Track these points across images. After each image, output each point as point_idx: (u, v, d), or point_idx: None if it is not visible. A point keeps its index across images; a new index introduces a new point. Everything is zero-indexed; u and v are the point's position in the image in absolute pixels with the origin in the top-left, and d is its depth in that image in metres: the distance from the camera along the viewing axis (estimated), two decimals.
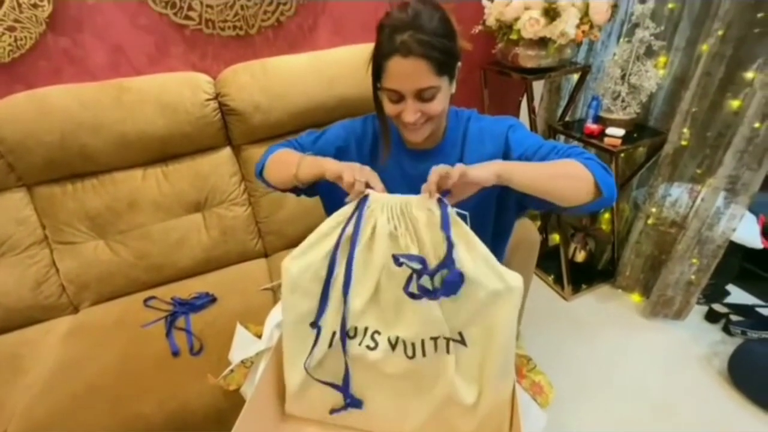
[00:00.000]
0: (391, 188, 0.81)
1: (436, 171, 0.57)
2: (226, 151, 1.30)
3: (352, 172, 0.62)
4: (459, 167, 0.57)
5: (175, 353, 0.96)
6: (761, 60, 1.06)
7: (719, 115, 1.20)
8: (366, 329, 0.64)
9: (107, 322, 1.09)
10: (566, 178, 0.62)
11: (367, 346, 0.63)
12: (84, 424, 0.83)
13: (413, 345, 0.62)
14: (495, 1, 1.35)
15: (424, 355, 0.62)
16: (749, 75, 1.10)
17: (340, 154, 0.81)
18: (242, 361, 0.83)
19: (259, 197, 1.33)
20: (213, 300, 1.13)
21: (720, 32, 1.09)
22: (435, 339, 0.61)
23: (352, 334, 0.64)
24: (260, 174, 0.85)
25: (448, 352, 0.62)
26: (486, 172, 0.59)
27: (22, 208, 1.13)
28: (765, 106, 1.05)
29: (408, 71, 0.63)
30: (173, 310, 1.08)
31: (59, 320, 1.16)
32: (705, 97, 1.19)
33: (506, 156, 0.74)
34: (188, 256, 1.24)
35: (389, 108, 0.69)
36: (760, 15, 1.06)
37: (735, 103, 1.15)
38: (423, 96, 0.65)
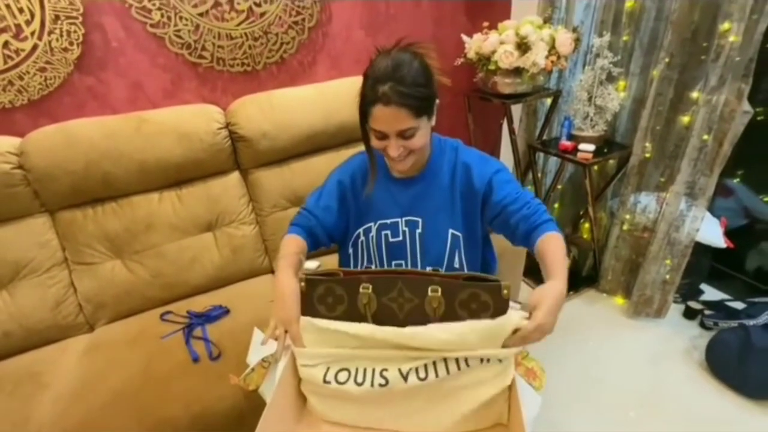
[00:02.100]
0: (384, 213, 0.93)
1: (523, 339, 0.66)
2: (235, 175, 1.40)
3: (274, 331, 0.74)
4: (536, 329, 0.65)
5: (196, 359, 1.02)
6: (702, 82, 1.24)
7: (674, 130, 1.37)
8: (374, 370, 0.67)
9: (126, 337, 1.14)
10: (565, 255, 0.76)
11: (380, 384, 0.67)
12: (115, 429, 0.88)
13: (425, 367, 0.66)
14: (474, 37, 1.53)
15: (436, 375, 0.66)
16: (694, 95, 1.28)
17: (342, 202, 0.92)
18: (262, 359, 0.90)
19: (265, 217, 1.43)
20: (227, 312, 1.20)
21: (666, 60, 1.28)
22: (446, 360, 0.66)
23: (360, 380, 0.67)
24: None
25: (459, 368, 0.66)
26: (555, 311, 0.67)
27: (44, 232, 1.20)
28: (709, 121, 1.22)
29: (389, 117, 0.73)
30: (189, 322, 1.15)
31: (75, 339, 1.21)
32: (660, 114, 1.36)
33: (486, 196, 0.86)
34: (201, 274, 1.31)
35: (376, 143, 0.80)
36: (704, 44, 1.24)
37: (685, 119, 1.32)
38: (404, 135, 0.76)
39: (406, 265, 0.93)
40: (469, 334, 0.64)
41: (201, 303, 1.24)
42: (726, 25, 1.12)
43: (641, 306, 1.58)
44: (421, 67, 0.74)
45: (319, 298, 0.70)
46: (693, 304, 1.60)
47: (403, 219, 0.91)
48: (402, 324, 0.68)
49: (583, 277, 1.85)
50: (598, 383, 1.39)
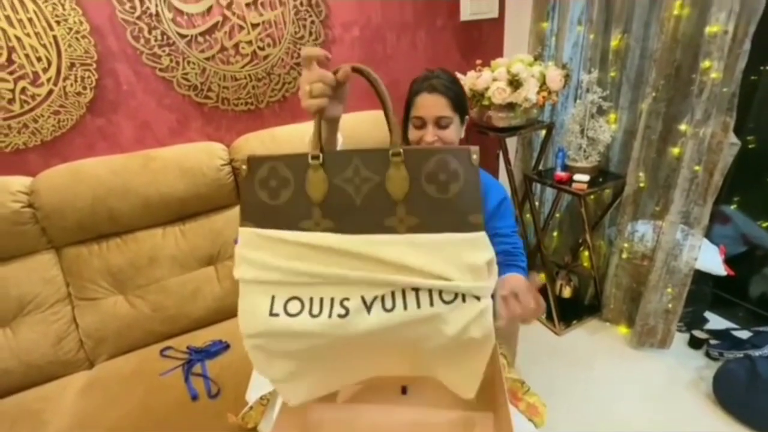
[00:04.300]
0: None
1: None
2: (238, 209, 1.43)
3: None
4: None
5: (194, 397, 1.02)
6: (689, 116, 1.28)
7: (665, 160, 1.40)
8: (332, 299, 0.54)
9: (125, 373, 1.14)
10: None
11: (339, 315, 0.53)
12: None
13: (393, 296, 0.53)
14: (468, 74, 1.59)
15: (405, 308, 0.53)
16: (682, 127, 1.32)
17: None
18: (260, 398, 0.90)
19: None
20: (227, 347, 1.20)
21: (653, 95, 1.32)
22: (417, 291, 0.53)
23: (315, 311, 0.53)
24: None
25: (432, 304, 0.53)
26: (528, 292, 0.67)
27: (49, 268, 1.23)
28: (698, 152, 1.25)
29: (431, 103, 0.87)
30: (189, 358, 1.15)
31: (75, 376, 1.21)
32: (651, 146, 1.40)
33: (492, 216, 0.94)
34: (202, 307, 1.32)
35: (413, 134, 0.90)
36: (688, 80, 1.29)
37: (675, 150, 1.36)
38: (440, 123, 0.87)
39: None
40: (446, 245, 0.54)
41: (201, 338, 1.25)
42: (707, 63, 1.17)
43: (645, 336, 1.56)
44: (458, 82, 0.92)
45: (262, 181, 0.56)
46: (698, 334, 1.58)
47: None
48: (360, 210, 0.55)
49: (585, 306, 1.84)
50: (603, 416, 1.35)
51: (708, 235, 1.55)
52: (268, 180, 0.56)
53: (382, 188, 0.54)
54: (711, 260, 1.51)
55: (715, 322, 1.68)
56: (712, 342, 1.51)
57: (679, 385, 1.44)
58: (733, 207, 1.71)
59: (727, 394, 1.30)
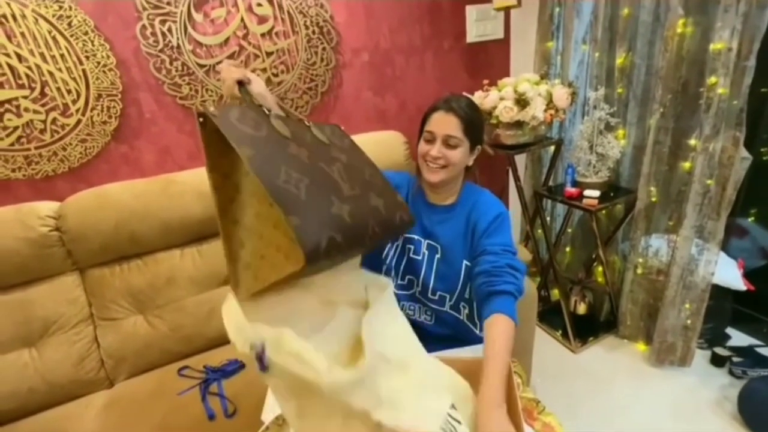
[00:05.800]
0: (411, 234, 1.00)
1: None
2: None
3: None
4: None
5: (211, 417, 1.03)
6: (698, 131, 1.28)
7: (676, 175, 1.40)
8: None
9: (144, 393, 1.17)
10: (509, 347, 0.78)
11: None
12: None
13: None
14: (475, 94, 1.63)
15: None
16: (692, 142, 1.32)
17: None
18: (275, 418, 0.90)
19: None
20: (242, 366, 1.21)
21: (661, 110, 1.33)
22: None
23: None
24: None
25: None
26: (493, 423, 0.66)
27: (73, 289, 1.27)
28: (710, 167, 1.25)
29: (444, 120, 0.90)
30: (206, 378, 1.17)
31: (96, 395, 1.23)
32: (661, 160, 1.40)
33: (483, 233, 0.94)
34: (218, 327, 1.34)
35: (422, 147, 0.94)
36: (695, 95, 1.30)
37: (686, 165, 1.35)
38: (448, 142, 0.90)
39: (418, 282, 0.99)
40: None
41: (218, 357, 1.26)
42: (713, 79, 1.18)
43: (664, 353, 1.52)
44: (477, 109, 0.95)
45: (239, 119, 0.61)
46: (720, 351, 1.53)
47: (425, 241, 0.99)
48: (313, 147, 0.68)
49: (601, 323, 1.80)
50: None
51: (725, 248, 1.53)
52: (244, 119, 0.61)
53: (316, 137, 0.72)
54: (729, 274, 1.48)
55: (738, 338, 1.63)
56: (735, 359, 1.47)
57: (702, 404, 1.39)
58: (750, 220, 1.68)
59: (753, 414, 1.26)
